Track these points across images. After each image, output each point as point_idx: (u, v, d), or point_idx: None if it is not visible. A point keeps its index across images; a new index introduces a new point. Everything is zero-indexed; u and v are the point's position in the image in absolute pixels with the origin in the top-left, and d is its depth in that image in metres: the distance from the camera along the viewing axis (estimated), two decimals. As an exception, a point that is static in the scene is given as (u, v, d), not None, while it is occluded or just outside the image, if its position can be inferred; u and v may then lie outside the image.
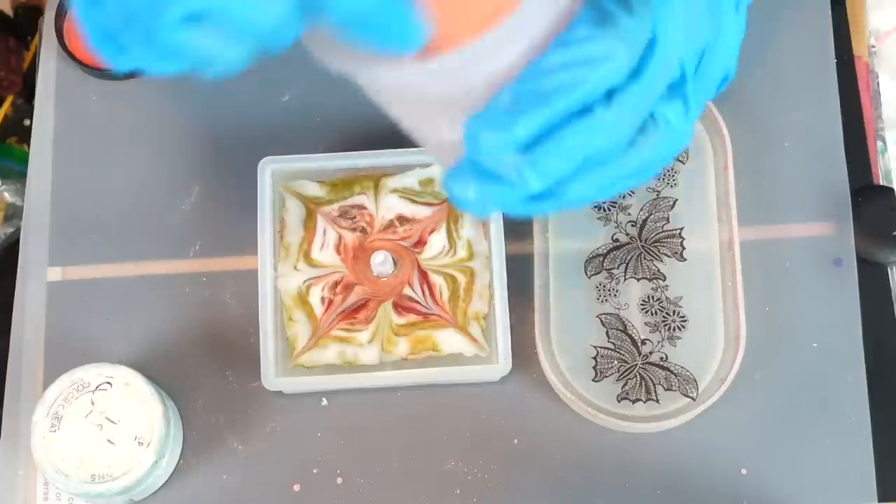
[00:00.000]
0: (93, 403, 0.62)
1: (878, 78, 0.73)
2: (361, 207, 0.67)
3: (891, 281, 0.69)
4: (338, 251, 0.67)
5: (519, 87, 0.42)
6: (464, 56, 0.41)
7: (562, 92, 0.41)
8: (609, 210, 0.68)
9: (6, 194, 0.73)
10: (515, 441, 0.66)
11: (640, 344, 0.66)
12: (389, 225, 0.67)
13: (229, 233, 0.69)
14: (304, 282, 0.66)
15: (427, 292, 0.66)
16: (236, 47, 0.38)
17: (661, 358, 0.66)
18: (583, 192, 0.45)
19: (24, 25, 0.84)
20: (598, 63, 0.42)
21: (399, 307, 0.65)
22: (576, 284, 0.67)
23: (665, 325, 0.66)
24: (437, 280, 0.66)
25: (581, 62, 0.41)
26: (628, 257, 0.67)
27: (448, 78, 0.42)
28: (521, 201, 0.44)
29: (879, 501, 0.65)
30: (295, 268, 0.66)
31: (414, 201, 0.67)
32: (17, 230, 0.71)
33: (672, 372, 0.65)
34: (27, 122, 0.80)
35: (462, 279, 0.66)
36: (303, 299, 0.66)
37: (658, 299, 0.66)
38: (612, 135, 0.43)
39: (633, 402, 0.65)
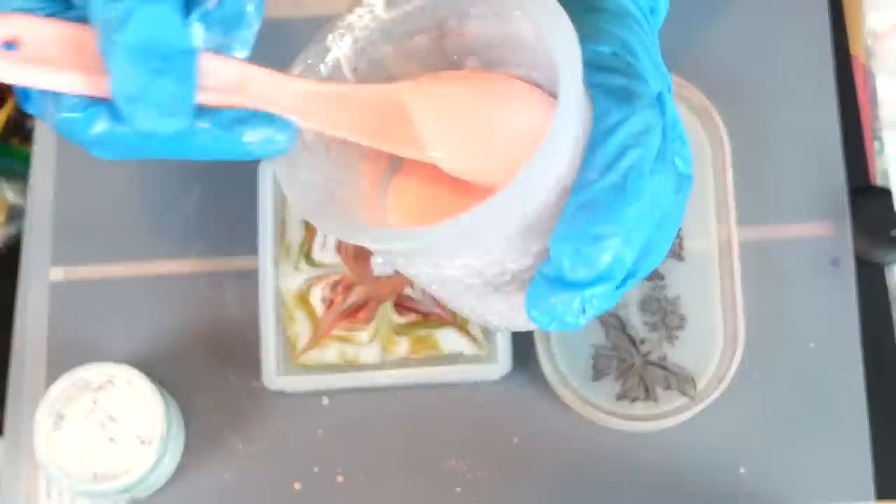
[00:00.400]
0: (95, 402, 0.62)
1: (875, 78, 0.73)
2: (362, 207, 0.68)
3: (888, 281, 0.69)
4: (338, 251, 0.67)
5: (589, 190, 0.41)
6: (529, 176, 0.39)
7: (634, 174, 0.41)
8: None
9: (9, 195, 0.73)
10: (515, 440, 0.66)
11: (638, 343, 0.66)
12: (390, 225, 0.67)
13: (231, 233, 0.69)
14: (305, 281, 0.66)
15: (427, 292, 0.66)
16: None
17: (660, 357, 0.66)
18: (657, 255, 0.45)
19: (25, 26, 0.85)
20: (648, 134, 0.42)
21: (399, 307, 0.66)
22: (575, 284, 0.67)
23: (664, 325, 0.66)
24: (437, 280, 0.66)
25: (635, 140, 0.41)
26: (627, 257, 0.67)
27: (513, 212, 0.40)
28: (614, 293, 0.43)
29: (877, 499, 0.65)
30: (296, 268, 0.67)
31: (414, 201, 0.67)
32: (20, 230, 0.71)
33: (671, 371, 0.65)
34: (29, 123, 0.80)
35: (462, 279, 0.66)
36: (303, 299, 0.66)
37: (657, 299, 0.67)
38: (670, 190, 0.43)
39: (632, 401, 0.65)
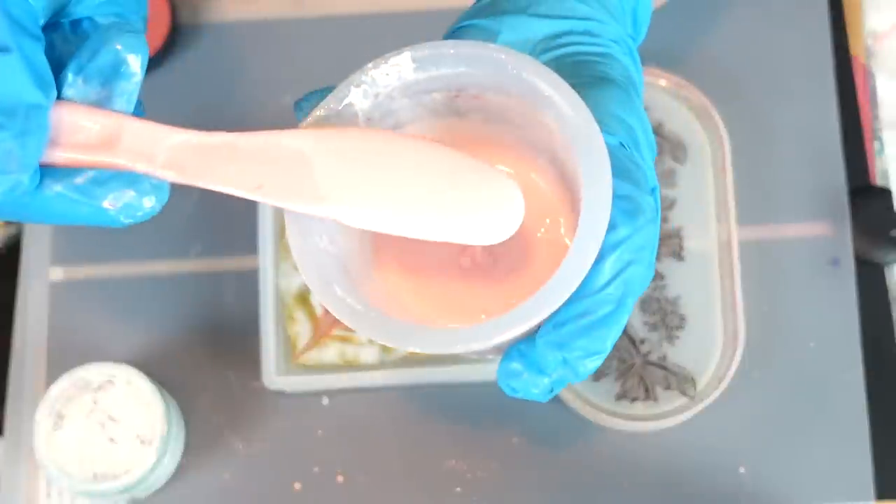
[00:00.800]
0: (95, 402, 0.62)
1: (875, 78, 0.73)
2: (362, 207, 0.68)
3: (888, 281, 0.69)
4: (338, 251, 0.67)
5: (590, 301, 0.42)
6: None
7: (631, 289, 0.42)
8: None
9: (8, 194, 0.73)
10: (515, 440, 0.66)
11: (638, 343, 0.66)
12: (390, 225, 0.67)
13: (231, 232, 0.70)
14: (305, 281, 0.66)
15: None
16: None
17: (660, 357, 0.66)
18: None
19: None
20: (645, 250, 0.42)
21: (399, 307, 0.66)
22: (575, 284, 0.67)
23: (664, 325, 0.66)
24: (437, 280, 0.66)
25: (635, 255, 0.42)
26: (627, 257, 0.67)
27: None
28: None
29: (876, 500, 0.65)
30: (296, 267, 0.67)
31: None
32: (20, 230, 0.71)
33: (671, 371, 0.66)
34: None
35: (462, 279, 0.66)
36: (304, 299, 0.66)
37: (657, 299, 0.67)
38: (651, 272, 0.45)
39: (632, 401, 0.65)
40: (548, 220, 0.46)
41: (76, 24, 0.41)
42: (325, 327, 0.66)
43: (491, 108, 0.44)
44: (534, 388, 0.43)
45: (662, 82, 0.69)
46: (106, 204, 0.39)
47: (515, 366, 0.43)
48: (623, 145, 0.43)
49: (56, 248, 0.70)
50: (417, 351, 0.41)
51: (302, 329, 0.66)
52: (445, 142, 0.43)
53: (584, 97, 0.41)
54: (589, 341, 0.42)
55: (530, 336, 0.43)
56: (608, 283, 0.42)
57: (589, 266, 0.40)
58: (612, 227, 0.41)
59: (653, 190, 0.44)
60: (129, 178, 0.39)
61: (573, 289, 0.40)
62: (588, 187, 0.40)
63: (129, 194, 0.39)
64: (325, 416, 0.67)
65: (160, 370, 0.66)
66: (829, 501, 0.65)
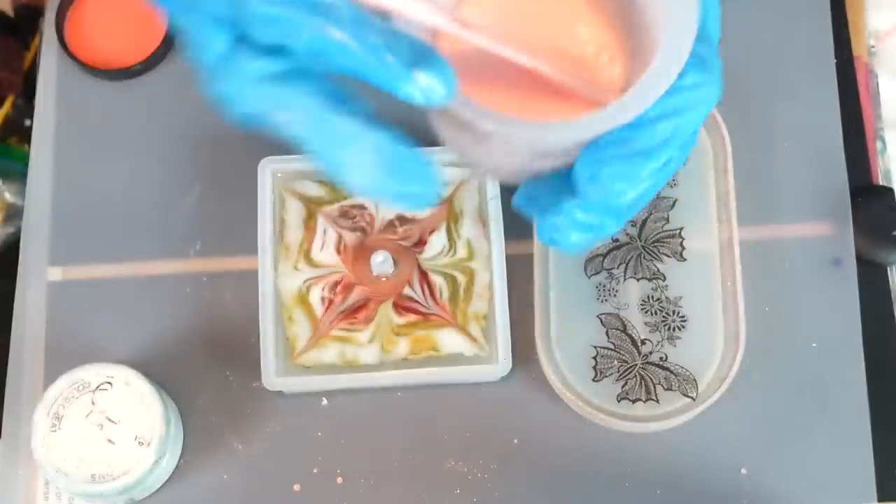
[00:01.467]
0: (93, 403, 0.62)
1: (877, 78, 0.73)
2: (361, 207, 0.68)
3: (890, 281, 0.69)
4: (338, 251, 0.67)
5: (635, 131, 0.43)
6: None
7: (675, 137, 0.44)
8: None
9: (7, 194, 0.73)
10: (515, 441, 0.66)
11: (639, 344, 0.66)
12: (389, 225, 0.67)
13: (230, 233, 0.69)
14: (305, 282, 0.66)
15: (427, 292, 0.66)
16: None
17: (661, 358, 0.66)
18: (650, 194, 0.47)
19: (24, 25, 0.84)
20: (705, 104, 0.44)
21: (399, 307, 0.66)
22: (576, 284, 0.67)
23: (665, 325, 0.66)
24: (438, 280, 0.66)
25: (696, 105, 0.44)
26: (628, 257, 0.67)
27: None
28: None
29: (878, 501, 0.65)
30: (295, 268, 0.67)
31: (414, 201, 0.67)
32: (18, 230, 0.71)
33: (672, 372, 0.65)
34: (28, 122, 0.80)
35: (462, 279, 0.66)
36: (303, 299, 0.66)
37: (658, 299, 0.66)
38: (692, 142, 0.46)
39: (633, 401, 0.65)
40: (606, 56, 0.48)
41: None
42: (324, 327, 0.66)
43: None
44: (572, 234, 0.46)
45: (663, 82, 0.69)
46: (417, 75, 0.41)
47: (556, 220, 0.45)
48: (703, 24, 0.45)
49: (54, 248, 0.70)
50: (518, 131, 0.44)
51: (301, 329, 0.66)
52: None
53: None
54: (626, 165, 0.43)
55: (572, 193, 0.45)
56: (660, 119, 0.43)
57: (682, 62, 0.42)
58: (683, 72, 0.43)
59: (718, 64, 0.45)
60: (436, 63, 0.41)
61: (666, 86, 0.42)
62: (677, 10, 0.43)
63: (434, 79, 0.41)
64: (325, 417, 0.67)
65: (159, 371, 0.66)
66: (831, 503, 0.65)
